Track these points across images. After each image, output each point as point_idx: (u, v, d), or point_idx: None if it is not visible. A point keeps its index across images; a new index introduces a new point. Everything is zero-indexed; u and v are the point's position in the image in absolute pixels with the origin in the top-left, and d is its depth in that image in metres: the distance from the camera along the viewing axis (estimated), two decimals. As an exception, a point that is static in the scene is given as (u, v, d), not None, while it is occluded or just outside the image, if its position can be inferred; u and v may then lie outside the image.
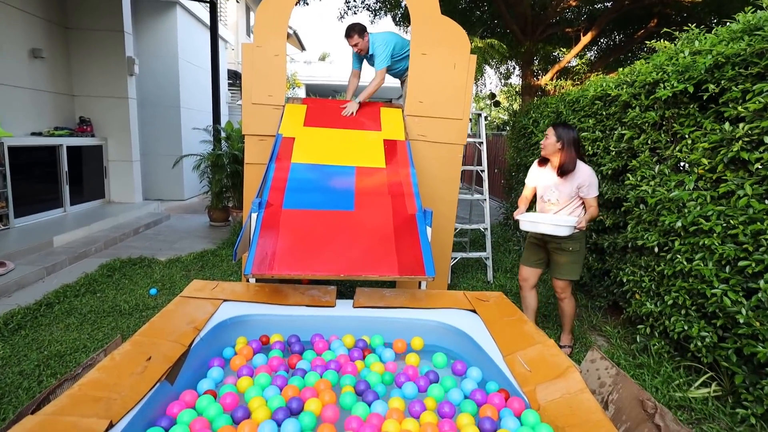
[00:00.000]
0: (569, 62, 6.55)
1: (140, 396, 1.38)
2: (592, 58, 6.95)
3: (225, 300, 2.18)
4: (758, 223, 1.99)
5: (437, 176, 3.54)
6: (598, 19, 6.05)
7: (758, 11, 2.18)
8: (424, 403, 1.56)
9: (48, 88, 5.52)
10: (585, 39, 5.90)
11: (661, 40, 2.83)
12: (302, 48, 19.56)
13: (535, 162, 2.87)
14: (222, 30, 9.99)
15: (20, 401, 2.03)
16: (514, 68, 8.84)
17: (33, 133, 5.17)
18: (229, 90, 11.91)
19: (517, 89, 9.06)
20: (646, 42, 6.47)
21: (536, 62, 7.27)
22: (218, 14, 6.93)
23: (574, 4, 6.05)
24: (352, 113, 3.46)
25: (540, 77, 6.60)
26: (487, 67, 9.05)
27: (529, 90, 6.32)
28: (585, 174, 2.59)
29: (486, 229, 4.33)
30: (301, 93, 18.46)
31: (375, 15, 7.45)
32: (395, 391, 1.69)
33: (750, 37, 2.11)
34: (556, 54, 7.57)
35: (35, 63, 5.26)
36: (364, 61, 3.76)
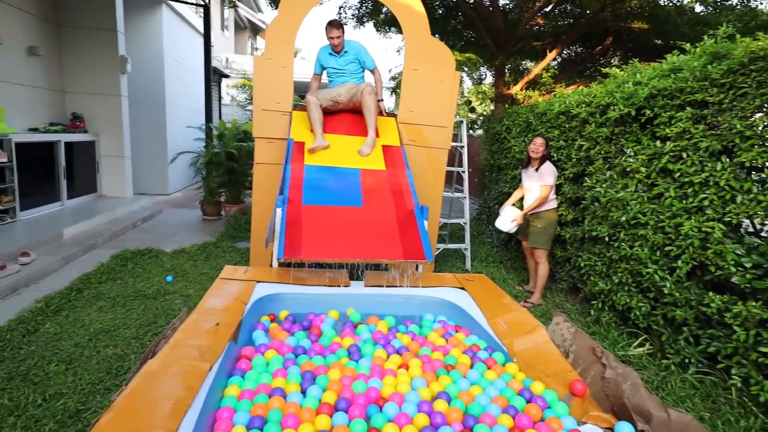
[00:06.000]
0: (537, 74, 7.24)
1: (221, 349, 1.81)
2: (557, 70, 7.68)
3: (258, 281, 2.62)
4: (678, 218, 2.62)
5: (426, 176, 4.04)
6: (562, 36, 6.75)
7: (681, 55, 2.81)
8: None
9: (43, 85, 5.65)
10: (551, 54, 6.59)
11: (627, 63, 3.43)
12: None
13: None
14: (199, 26, 9.98)
15: (89, 364, 2.40)
16: (485, 75, 9.54)
17: (30, 129, 5.31)
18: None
19: (489, 94, 9.77)
20: (603, 59, 7.17)
21: (508, 73, 7.93)
22: (205, 16, 7.13)
23: (541, 22, 6.71)
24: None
25: (511, 86, 7.25)
26: (463, 75, 9.71)
27: (501, 98, 6.96)
28: (547, 166, 3.68)
29: (465, 223, 4.90)
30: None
31: (359, 23, 7.92)
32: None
33: (675, 75, 2.74)
34: (525, 66, 8.25)
35: (32, 60, 5.39)
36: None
